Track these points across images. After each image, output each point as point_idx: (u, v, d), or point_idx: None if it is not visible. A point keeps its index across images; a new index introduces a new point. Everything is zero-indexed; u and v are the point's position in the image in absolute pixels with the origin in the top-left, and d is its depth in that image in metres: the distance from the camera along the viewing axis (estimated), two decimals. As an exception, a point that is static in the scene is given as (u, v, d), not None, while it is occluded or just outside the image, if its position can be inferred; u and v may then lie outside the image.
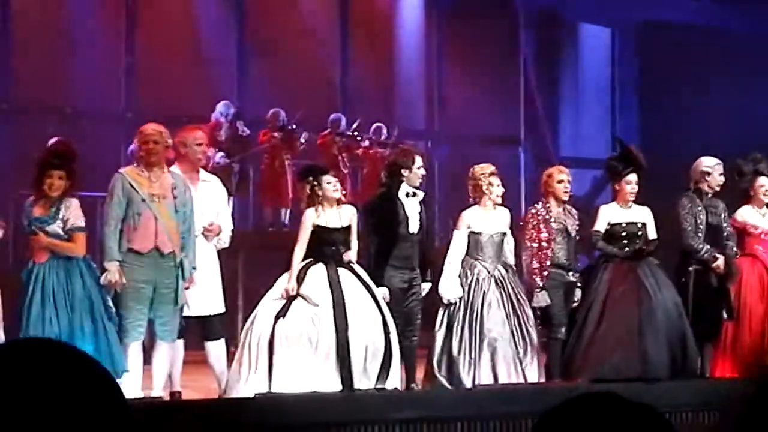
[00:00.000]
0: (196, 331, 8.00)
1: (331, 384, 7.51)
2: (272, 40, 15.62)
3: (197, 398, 8.03)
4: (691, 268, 8.85)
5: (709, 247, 8.85)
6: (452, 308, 8.37)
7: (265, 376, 7.49)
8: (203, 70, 15.17)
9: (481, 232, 8.48)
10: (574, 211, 8.90)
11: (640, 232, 8.81)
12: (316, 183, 8.01)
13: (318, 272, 7.80)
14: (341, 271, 7.85)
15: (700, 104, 16.44)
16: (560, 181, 8.78)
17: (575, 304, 8.71)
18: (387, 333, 7.74)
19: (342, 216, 8.02)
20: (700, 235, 8.87)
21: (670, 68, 16.85)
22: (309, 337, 7.55)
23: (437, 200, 14.99)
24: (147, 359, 7.55)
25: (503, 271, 8.47)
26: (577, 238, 8.85)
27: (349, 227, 8.02)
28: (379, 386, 7.65)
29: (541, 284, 8.56)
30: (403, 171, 8.36)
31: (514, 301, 8.39)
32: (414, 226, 8.31)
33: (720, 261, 8.85)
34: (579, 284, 8.72)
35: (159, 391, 7.52)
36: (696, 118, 16.25)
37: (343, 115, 14.91)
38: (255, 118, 14.31)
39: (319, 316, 7.60)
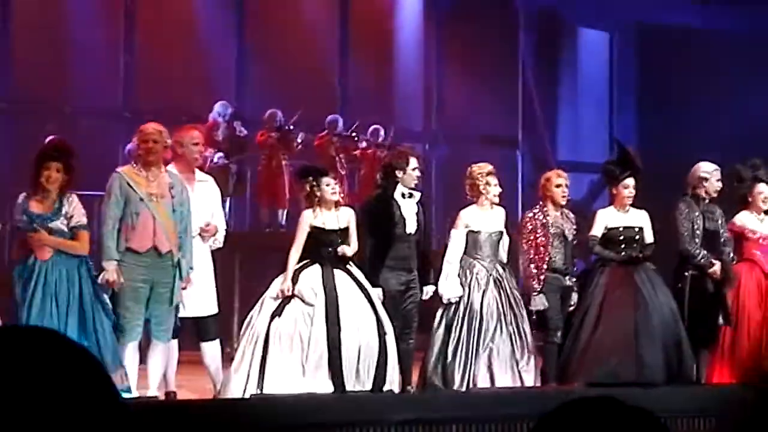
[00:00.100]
0: (192, 332, 7.99)
1: (323, 385, 7.50)
2: (271, 40, 15.62)
3: (192, 398, 8.03)
4: (687, 274, 8.83)
5: (705, 252, 8.83)
6: (451, 308, 8.37)
7: (256, 376, 7.48)
8: (202, 69, 15.16)
9: (480, 231, 8.48)
10: (571, 215, 8.89)
11: (637, 237, 8.80)
12: (315, 184, 8.00)
13: (313, 273, 7.79)
14: (337, 272, 7.83)
15: (698, 106, 16.43)
16: (558, 185, 8.77)
17: (572, 308, 8.71)
18: (382, 335, 7.73)
19: (340, 218, 8.01)
20: (697, 240, 8.85)
21: (668, 70, 16.84)
22: (303, 336, 7.55)
23: (434, 201, 14.96)
24: (142, 359, 7.55)
25: (501, 271, 8.47)
26: (575, 242, 8.84)
27: (347, 229, 8.01)
28: (374, 388, 7.64)
29: (538, 288, 8.55)
30: (397, 172, 8.35)
31: (512, 301, 8.40)
32: (411, 227, 8.30)
33: (716, 267, 8.83)
34: (576, 288, 8.72)
35: (154, 391, 7.52)
36: (694, 119, 16.25)
37: (341, 115, 14.90)
38: (253, 118, 14.31)
39: (313, 316, 7.60)
